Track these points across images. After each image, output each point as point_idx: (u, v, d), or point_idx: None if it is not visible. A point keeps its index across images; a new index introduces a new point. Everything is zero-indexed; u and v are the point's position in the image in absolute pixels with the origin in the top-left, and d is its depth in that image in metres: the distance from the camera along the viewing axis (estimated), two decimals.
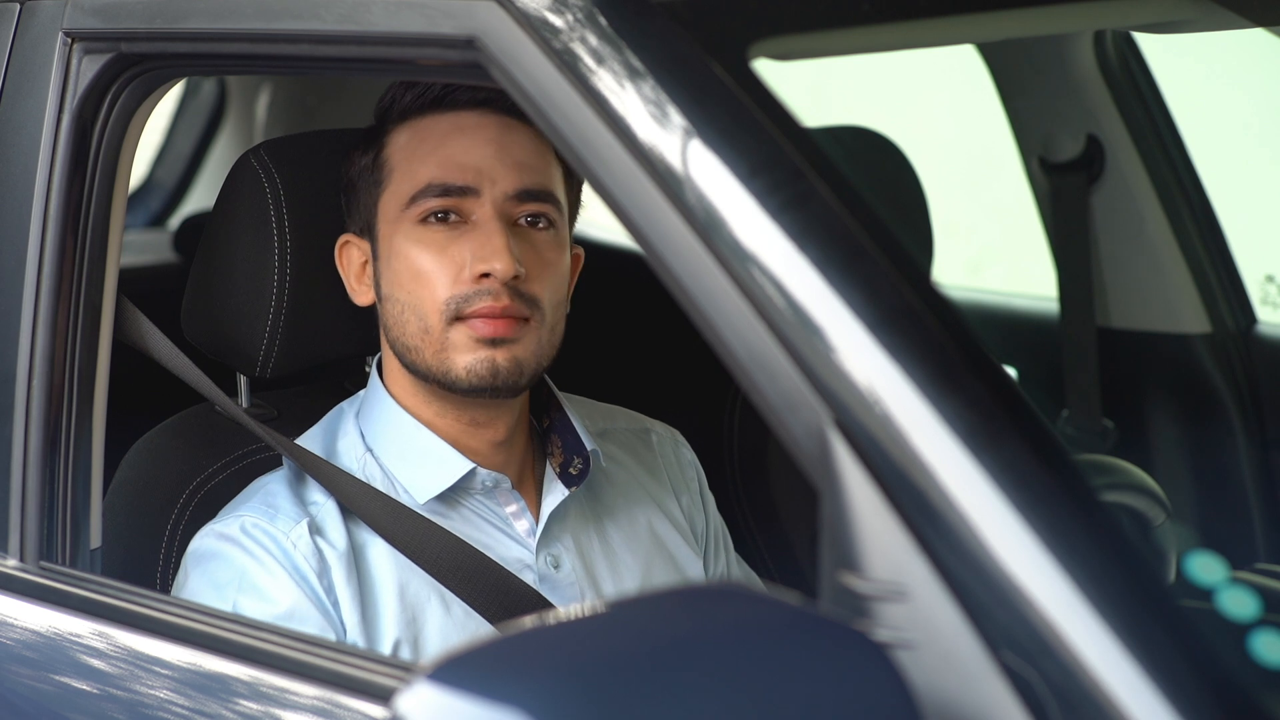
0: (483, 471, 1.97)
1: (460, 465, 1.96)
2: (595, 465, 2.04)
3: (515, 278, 1.89)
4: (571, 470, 2.02)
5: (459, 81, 1.91)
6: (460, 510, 1.98)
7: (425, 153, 1.93)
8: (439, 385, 1.94)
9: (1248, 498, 2.79)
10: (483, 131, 1.93)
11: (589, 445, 2.02)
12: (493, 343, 1.90)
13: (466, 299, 1.89)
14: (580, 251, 2.03)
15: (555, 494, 2.01)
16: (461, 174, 1.91)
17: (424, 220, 1.92)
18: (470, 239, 1.90)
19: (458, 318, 1.90)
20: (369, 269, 1.98)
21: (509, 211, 1.92)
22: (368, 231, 1.98)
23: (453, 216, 1.91)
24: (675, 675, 1.29)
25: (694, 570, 2.10)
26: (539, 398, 2.07)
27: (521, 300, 1.90)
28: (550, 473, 2.02)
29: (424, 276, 1.91)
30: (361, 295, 2.00)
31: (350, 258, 2.00)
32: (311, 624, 1.87)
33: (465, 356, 1.90)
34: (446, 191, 1.91)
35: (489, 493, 1.99)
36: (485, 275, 1.88)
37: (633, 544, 2.06)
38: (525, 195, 1.92)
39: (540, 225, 1.94)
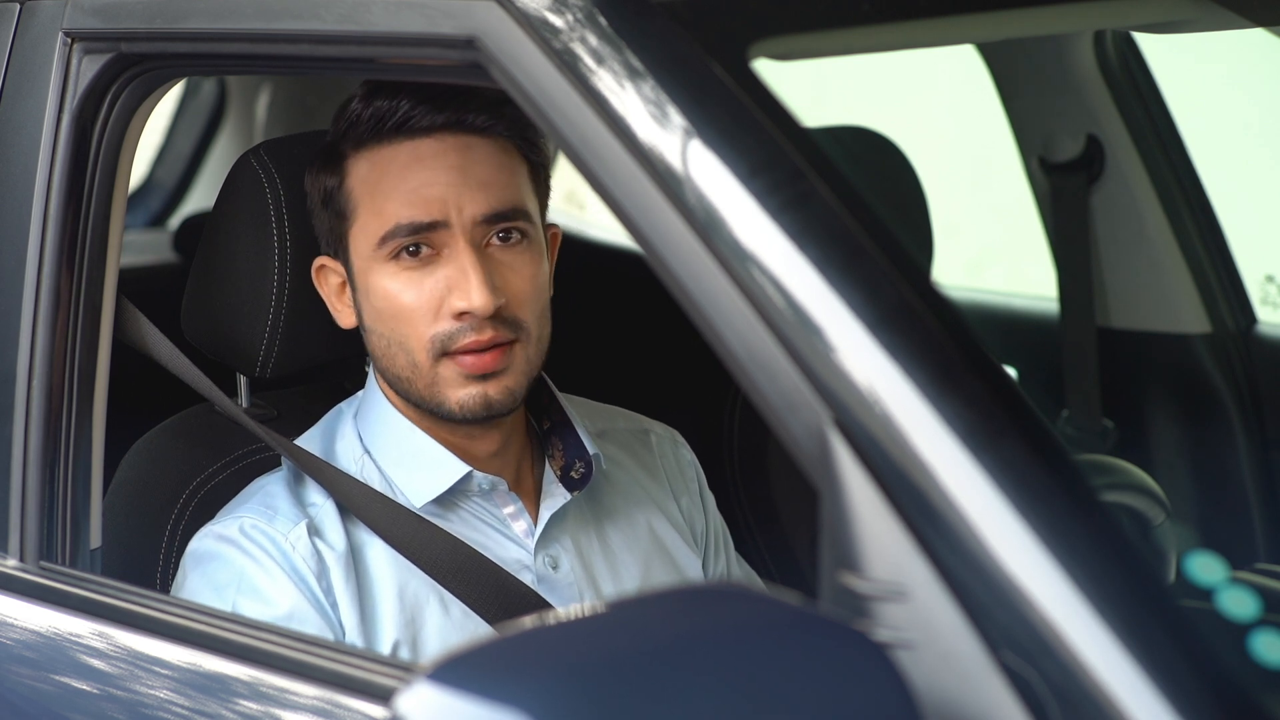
0: (479, 474, 1.97)
1: (457, 469, 1.96)
2: (596, 469, 2.03)
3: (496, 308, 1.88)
4: (573, 474, 2.02)
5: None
6: (458, 512, 1.98)
7: (388, 189, 1.90)
8: (432, 414, 1.94)
9: (1248, 498, 2.79)
10: (442, 159, 1.91)
11: (591, 449, 2.02)
12: (483, 377, 1.90)
13: (451, 336, 1.89)
14: (557, 230, 2.02)
15: (556, 497, 2.00)
16: (427, 209, 1.89)
17: (395, 256, 1.91)
18: (445, 273, 1.89)
19: (444, 353, 1.90)
20: (348, 290, 1.97)
21: (479, 236, 1.90)
22: (341, 256, 1.96)
23: (424, 249, 1.90)
24: (675, 675, 1.29)
25: (694, 571, 2.09)
26: (539, 399, 2.07)
27: (505, 326, 1.89)
28: (550, 475, 2.02)
29: (404, 314, 1.90)
30: (344, 317, 1.99)
31: (328, 280, 1.99)
32: (311, 625, 1.87)
33: (457, 392, 1.91)
34: (415, 230, 1.89)
35: (486, 495, 1.99)
36: (465, 312, 1.88)
37: (632, 545, 2.06)
38: (494, 217, 1.91)
39: (513, 240, 1.92)
